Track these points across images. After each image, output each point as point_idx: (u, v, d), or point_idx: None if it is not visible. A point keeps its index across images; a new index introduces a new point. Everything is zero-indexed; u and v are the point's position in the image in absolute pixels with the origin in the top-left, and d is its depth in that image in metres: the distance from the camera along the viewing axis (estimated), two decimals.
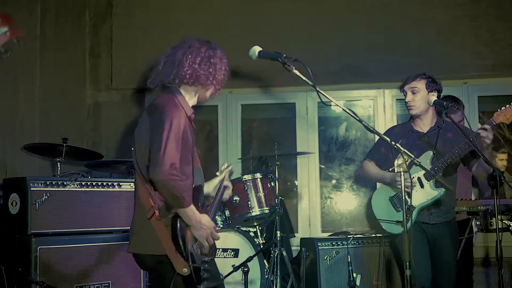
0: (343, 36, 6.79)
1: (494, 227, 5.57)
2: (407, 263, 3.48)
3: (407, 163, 3.52)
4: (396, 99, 6.98)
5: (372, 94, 7.04)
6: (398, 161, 3.54)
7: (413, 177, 4.62)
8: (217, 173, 3.98)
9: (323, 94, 3.44)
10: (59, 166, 5.23)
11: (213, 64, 3.56)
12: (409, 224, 4.41)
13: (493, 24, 6.66)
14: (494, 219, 5.58)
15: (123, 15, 7.08)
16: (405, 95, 4.80)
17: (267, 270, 5.67)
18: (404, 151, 3.50)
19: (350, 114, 3.53)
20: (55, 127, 6.21)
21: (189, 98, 3.61)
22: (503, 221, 5.50)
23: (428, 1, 6.76)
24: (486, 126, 4.43)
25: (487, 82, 6.90)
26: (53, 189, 4.57)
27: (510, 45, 6.63)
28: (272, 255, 5.69)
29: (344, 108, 3.53)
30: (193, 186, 3.59)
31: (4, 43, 2.87)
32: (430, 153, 4.67)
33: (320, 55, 6.62)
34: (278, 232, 5.72)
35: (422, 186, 4.64)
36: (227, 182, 3.94)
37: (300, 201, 7.01)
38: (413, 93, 4.74)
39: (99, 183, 4.79)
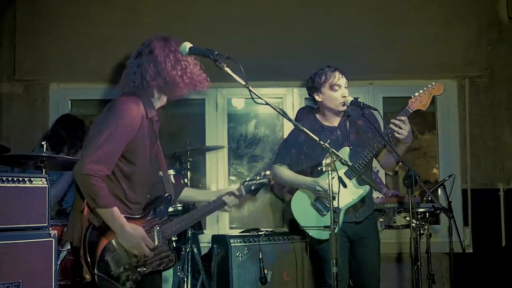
0: (254, 34, 6.82)
1: (398, 224, 5.80)
2: (334, 261, 3.54)
3: (335, 162, 3.55)
4: (305, 98, 7.04)
5: (281, 92, 7.12)
6: (326, 161, 3.56)
7: (333, 177, 4.36)
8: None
9: (255, 94, 3.46)
10: None
11: (168, 68, 3.53)
12: (337, 228, 4.44)
13: (398, 28, 6.89)
14: (398, 216, 5.79)
15: (28, 2, 6.78)
16: (337, 89, 4.68)
17: (179, 268, 5.64)
18: (332, 151, 3.54)
19: (280, 114, 3.58)
20: None
21: (157, 98, 3.57)
22: (406, 218, 5.71)
23: (338, 3, 6.90)
24: (402, 117, 4.43)
25: (392, 84, 7.13)
26: None
27: (414, 48, 6.89)
28: (183, 253, 5.67)
29: (275, 108, 3.56)
30: (158, 195, 3.54)
31: None
32: (347, 149, 4.58)
33: (231, 52, 6.60)
34: (190, 229, 5.70)
35: (344, 185, 4.37)
36: (228, 198, 3.88)
37: None
38: (346, 87, 4.72)
39: (10, 179, 4.56)
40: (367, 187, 4.50)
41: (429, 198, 5.82)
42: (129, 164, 3.41)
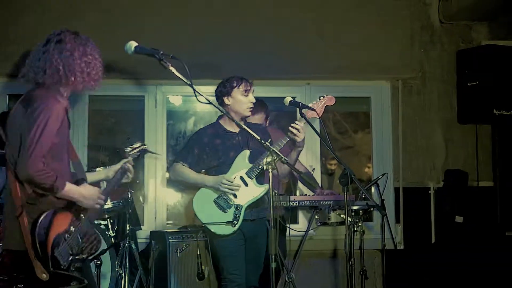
0: (196, 32, 6.85)
1: (332, 221, 5.95)
2: (273, 256, 3.66)
3: (275, 161, 3.67)
4: None
5: None
6: (267, 159, 3.68)
7: (235, 177, 4.72)
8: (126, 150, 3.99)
9: (199, 93, 3.54)
10: None
11: (74, 58, 3.50)
12: (238, 224, 4.69)
13: (337, 28, 7.04)
14: (332, 213, 5.93)
15: None
16: (247, 95, 4.89)
17: (117, 263, 5.65)
18: (273, 149, 3.65)
19: (223, 113, 3.66)
20: None
21: (64, 91, 3.56)
22: (340, 215, 5.86)
23: (279, 3, 6.99)
24: (299, 123, 4.61)
25: (329, 84, 7.26)
26: None
27: (350, 50, 7.03)
28: (121, 248, 5.68)
29: (218, 107, 3.65)
30: (75, 180, 3.56)
31: None
32: (247, 152, 4.81)
33: (173, 49, 6.55)
34: (128, 225, 5.73)
35: (246, 184, 4.73)
36: (128, 166, 3.95)
37: (147, 194, 7.00)
38: (253, 95, 4.94)
39: None
40: (267, 186, 4.60)
41: (363, 196, 5.98)
42: (55, 154, 3.45)
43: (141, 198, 7.09)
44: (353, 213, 5.80)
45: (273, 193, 3.82)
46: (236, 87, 4.89)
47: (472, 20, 7.26)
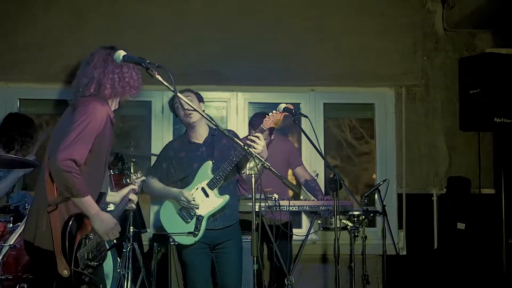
0: (200, 39, 6.99)
1: (334, 226, 6.02)
2: (254, 258, 3.78)
3: (258, 166, 3.79)
4: (249, 102, 7.30)
5: (225, 96, 7.29)
6: (250, 165, 3.80)
7: (197, 188, 4.86)
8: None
9: (183, 100, 3.67)
10: None
11: (123, 76, 3.75)
12: (200, 234, 4.84)
13: (339, 36, 7.13)
14: (334, 218, 6.00)
15: None
16: (180, 106, 5.03)
17: (119, 265, 5.78)
18: (256, 155, 3.77)
19: (207, 119, 3.79)
20: None
21: (111, 103, 3.79)
22: (342, 221, 5.93)
23: (282, 11, 7.10)
24: (257, 134, 4.67)
25: (333, 90, 7.37)
26: None
27: (354, 56, 7.13)
28: (124, 250, 5.78)
29: (202, 113, 3.78)
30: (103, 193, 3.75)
31: None
32: (209, 163, 4.94)
33: (177, 57, 6.80)
34: (131, 227, 5.86)
35: (207, 195, 4.87)
36: (132, 196, 4.12)
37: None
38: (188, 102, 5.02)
39: None
40: (227, 197, 4.86)
41: (366, 202, 6.07)
42: (89, 160, 3.59)
43: (148, 202, 7.21)
44: (355, 219, 5.89)
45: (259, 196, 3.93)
46: (171, 107, 5.22)
47: (476, 28, 7.30)
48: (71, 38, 6.71)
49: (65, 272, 3.42)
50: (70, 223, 3.46)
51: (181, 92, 4.83)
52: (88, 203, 3.52)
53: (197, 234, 4.83)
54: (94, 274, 3.67)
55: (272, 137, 5.98)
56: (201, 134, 5.08)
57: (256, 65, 6.99)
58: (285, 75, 7.04)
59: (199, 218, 4.84)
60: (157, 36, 6.94)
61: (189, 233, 4.84)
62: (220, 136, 4.98)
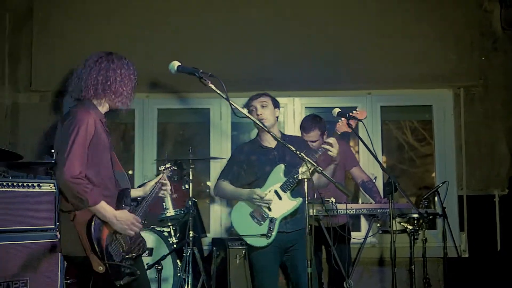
0: (256, 47, 7.10)
1: (393, 228, 6.00)
2: (309, 262, 3.82)
3: (310, 170, 3.84)
4: (305, 107, 7.35)
5: (283, 102, 7.27)
6: (302, 169, 3.84)
7: (270, 191, 4.88)
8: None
9: (235, 106, 3.76)
10: None
11: (109, 76, 3.83)
12: (273, 236, 4.84)
13: (396, 39, 7.12)
14: (393, 221, 5.97)
15: (43, 19, 7.17)
16: (254, 110, 5.05)
17: (179, 269, 5.91)
18: (308, 160, 3.82)
19: (259, 125, 3.86)
20: None
21: (99, 106, 3.90)
22: (401, 223, 5.90)
23: (339, 17, 7.15)
24: (332, 138, 4.68)
25: (390, 93, 7.34)
26: None
27: (411, 59, 7.11)
28: (184, 254, 5.92)
29: (254, 120, 3.86)
30: (119, 189, 3.87)
31: None
32: (282, 166, 4.94)
33: (234, 64, 6.92)
34: (191, 232, 5.97)
35: (280, 198, 4.88)
36: (164, 180, 4.24)
37: (212, 202, 7.27)
38: (263, 106, 5.04)
39: (20, 184, 4.90)
40: (300, 200, 4.85)
41: (425, 204, 6.03)
42: (95, 162, 3.74)
43: (208, 207, 7.34)
44: (414, 221, 5.86)
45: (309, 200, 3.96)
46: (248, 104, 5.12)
47: None
48: (128, 51, 6.85)
49: (100, 268, 3.57)
50: (93, 222, 3.61)
51: (258, 96, 5.07)
52: (102, 209, 3.66)
53: (270, 236, 4.84)
54: (134, 265, 3.80)
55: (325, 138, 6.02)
56: (272, 139, 5.09)
57: (312, 70, 7.05)
58: (341, 79, 7.08)
59: (272, 221, 4.85)
60: (215, 45, 7.08)
61: (262, 235, 4.85)
62: (291, 140, 4.88)
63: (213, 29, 7.15)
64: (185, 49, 6.86)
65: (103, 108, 3.92)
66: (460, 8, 7.16)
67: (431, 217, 6.00)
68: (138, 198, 4.25)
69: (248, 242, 4.96)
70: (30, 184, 4.98)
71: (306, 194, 3.86)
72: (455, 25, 7.16)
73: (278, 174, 4.92)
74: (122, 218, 3.74)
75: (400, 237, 6.54)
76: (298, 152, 3.82)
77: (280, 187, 4.87)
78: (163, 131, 7.58)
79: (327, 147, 4.63)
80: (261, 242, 4.88)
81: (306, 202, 3.85)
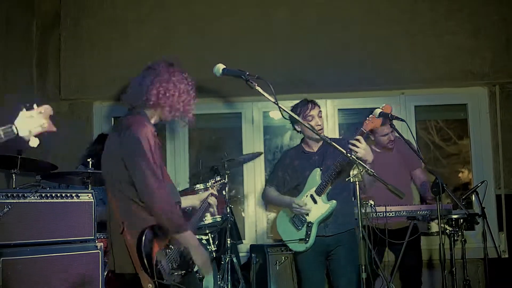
0: (288, 50, 7.03)
1: (432, 230, 5.89)
2: (363, 267, 3.74)
3: (362, 173, 3.75)
4: (338, 109, 7.27)
5: None
6: (353, 172, 3.77)
7: (306, 195, 4.93)
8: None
9: (284, 110, 3.67)
10: (14, 177, 5.24)
11: (168, 89, 3.75)
12: (311, 240, 4.86)
13: (429, 40, 7.02)
14: (432, 223, 5.87)
15: (71, 26, 7.13)
16: (311, 120, 5.01)
17: (220, 277, 5.84)
18: (359, 162, 3.74)
19: (307, 127, 3.78)
20: None
21: (152, 116, 3.81)
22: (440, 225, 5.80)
23: (369, 18, 7.07)
24: (358, 137, 4.59)
25: (424, 93, 7.23)
26: (14, 200, 4.58)
27: (444, 59, 7.00)
28: (222, 262, 5.86)
29: (303, 122, 3.77)
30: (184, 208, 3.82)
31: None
32: (318, 170, 4.98)
33: (267, 68, 6.83)
34: (229, 239, 5.91)
35: (315, 202, 4.91)
36: (212, 199, 4.23)
37: (247, 208, 7.20)
38: (320, 116, 5.07)
39: (58, 194, 4.83)
40: (334, 202, 4.86)
41: (465, 204, 5.91)
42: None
43: (242, 213, 7.27)
44: (453, 222, 5.75)
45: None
46: (299, 115, 5.01)
47: None
48: (161, 55, 6.82)
49: (150, 286, 3.48)
50: (144, 237, 3.51)
51: (310, 104, 5.10)
52: (190, 236, 3.61)
53: (308, 240, 4.88)
54: (182, 283, 3.71)
55: (392, 137, 5.95)
56: (315, 143, 5.16)
57: (344, 71, 6.98)
58: (373, 79, 6.99)
59: (309, 225, 4.89)
60: (246, 47, 7.03)
61: (300, 239, 4.91)
62: (337, 143, 4.89)
63: (244, 32, 7.10)
64: (216, 53, 6.78)
65: (154, 118, 3.84)
66: (495, 5, 7.02)
67: (476, 217, 5.90)
68: (186, 209, 4.18)
69: (290, 247, 5.05)
70: (68, 194, 4.91)
71: (358, 197, 3.79)
72: (488, 21, 7.02)
73: (314, 178, 4.96)
74: (205, 253, 3.73)
75: (435, 239, 6.51)
76: (349, 155, 3.76)
77: (315, 191, 4.92)
78: (194, 137, 7.50)
79: (352, 147, 4.55)
80: (300, 247, 4.97)
81: (359, 206, 3.78)
